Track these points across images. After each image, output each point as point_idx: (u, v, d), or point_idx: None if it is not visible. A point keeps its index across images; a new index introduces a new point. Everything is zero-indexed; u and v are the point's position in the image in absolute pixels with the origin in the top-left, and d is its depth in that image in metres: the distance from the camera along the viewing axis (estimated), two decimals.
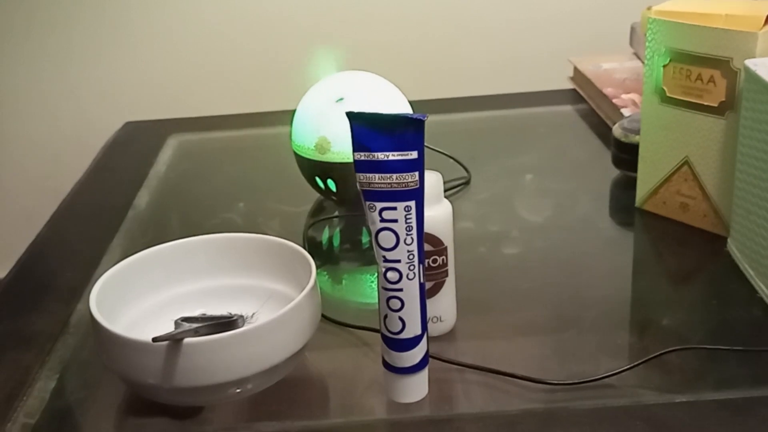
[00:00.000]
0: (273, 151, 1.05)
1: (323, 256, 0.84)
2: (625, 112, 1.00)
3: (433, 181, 0.62)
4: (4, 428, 0.60)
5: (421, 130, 0.53)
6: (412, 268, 0.56)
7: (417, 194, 0.54)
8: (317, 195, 0.90)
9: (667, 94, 0.78)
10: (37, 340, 0.70)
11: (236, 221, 0.90)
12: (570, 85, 1.21)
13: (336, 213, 0.90)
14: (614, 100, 1.04)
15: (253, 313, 0.66)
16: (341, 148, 0.83)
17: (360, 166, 0.54)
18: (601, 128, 1.05)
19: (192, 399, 0.60)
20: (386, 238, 0.55)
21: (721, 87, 0.74)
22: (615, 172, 0.93)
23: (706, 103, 0.75)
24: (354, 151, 0.54)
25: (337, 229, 0.89)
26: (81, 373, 0.67)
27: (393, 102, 0.87)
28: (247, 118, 1.20)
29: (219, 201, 0.96)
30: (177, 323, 0.63)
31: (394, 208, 0.54)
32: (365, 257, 0.82)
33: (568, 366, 0.63)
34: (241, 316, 0.65)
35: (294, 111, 0.88)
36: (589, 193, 0.92)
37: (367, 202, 0.55)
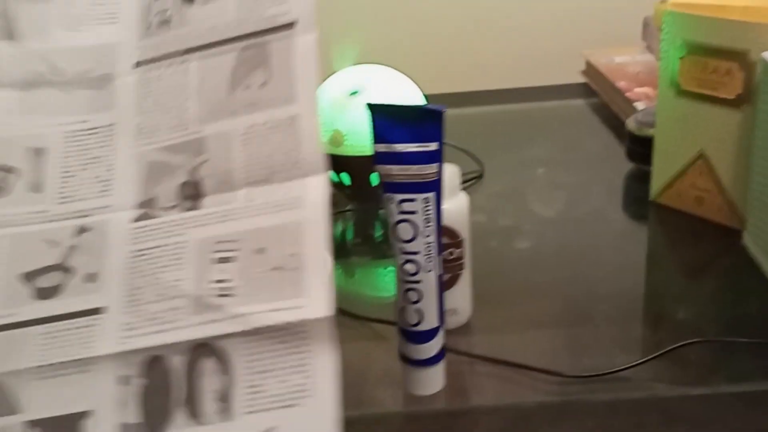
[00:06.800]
0: None
1: (336, 249, 0.84)
2: (638, 105, 1.00)
3: (450, 173, 0.62)
4: None
5: (441, 122, 0.53)
6: (429, 260, 0.56)
7: (436, 186, 0.54)
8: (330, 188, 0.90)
9: (683, 87, 0.78)
10: None
11: None
12: (582, 79, 1.20)
13: (349, 207, 0.90)
14: (627, 94, 1.03)
15: None
16: (355, 141, 0.83)
17: (379, 157, 0.54)
18: (613, 122, 1.05)
19: None
20: (405, 230, 0.55)
21: (738, 79, 0.74)
22: (628, 166, 0.92)
23: (722, 96, 0.75)
24: (373, 142, 0.54)
25: (350, 223, 0.89)
26: None
27: (407, 95, 0.87)
28: None
29: None
30: None
31: (413, 200, 0.54)
32: (378, 251, 0.82)
33: (582, 359, 0.63)
34: None
35: None
36: (602, 186, 0.92)
37: (386, 194, 0.55)
